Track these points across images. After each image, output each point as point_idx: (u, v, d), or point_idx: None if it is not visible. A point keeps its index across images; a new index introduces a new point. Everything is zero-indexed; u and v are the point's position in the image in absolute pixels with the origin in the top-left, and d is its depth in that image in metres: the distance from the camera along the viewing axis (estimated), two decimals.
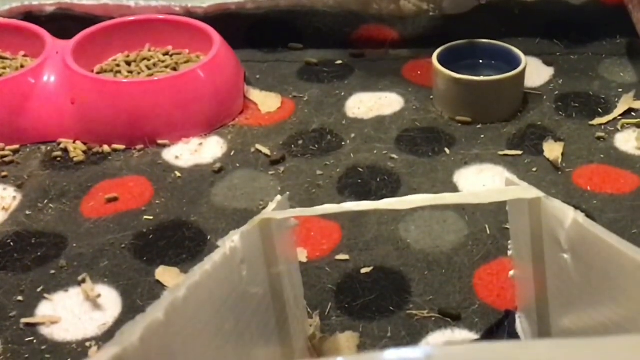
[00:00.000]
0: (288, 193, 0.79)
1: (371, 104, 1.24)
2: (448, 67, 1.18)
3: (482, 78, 1.18)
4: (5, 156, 1.13)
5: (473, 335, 0.82)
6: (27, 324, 0.86)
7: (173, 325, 0.46)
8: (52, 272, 0.93)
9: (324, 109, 1.23)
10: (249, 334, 0.61)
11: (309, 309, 0.84)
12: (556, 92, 1.26)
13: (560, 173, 1.07)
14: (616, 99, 1.23)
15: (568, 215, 0.62)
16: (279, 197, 0.71)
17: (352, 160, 1.11)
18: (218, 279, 0.54)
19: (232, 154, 1.14)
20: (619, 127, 1.16)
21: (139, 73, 1.25)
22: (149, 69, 1.26)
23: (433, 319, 0.84)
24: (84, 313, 0.88)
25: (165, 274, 0.92)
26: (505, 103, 1.19)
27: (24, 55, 1.29)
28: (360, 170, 1.09)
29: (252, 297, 0.62)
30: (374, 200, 1.01)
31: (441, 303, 0.86)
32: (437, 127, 1.18)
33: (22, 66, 1.24)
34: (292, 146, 1.15)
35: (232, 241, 0.58)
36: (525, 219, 0.70)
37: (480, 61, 1.27)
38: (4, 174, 1.10)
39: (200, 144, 1.16)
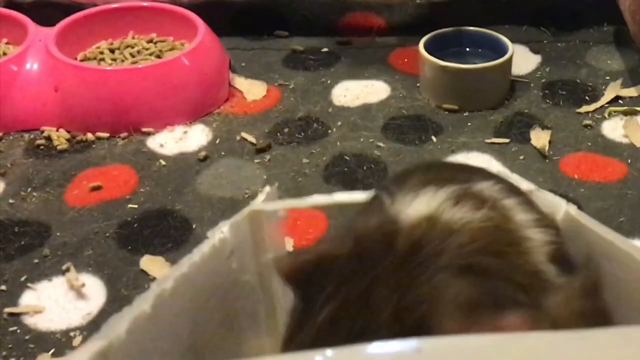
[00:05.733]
0: (277, 184, 0.78)
1: (357, 92, 1.24)
2: (435, 54, 1.18)
3: (468, 66, 1.17)
4: None
5: None
6: (11, 314, 0.85)
7: (160, 318, 0.45)
8: (36, 261, 0.92)
9: (310, 97, 1.23)
10: (238, 325, 0.61)
11: None
12: (543, 80, 1.25)
13: (547, 161, 1.07)
14: (603, 87, 1.23)
15: (560, 207, 0.61)
16: (267, 188, 0.71)
17: (338, 148, 1.11)
18: (207, 271, 0.54)
19: (217, 142, 1.13)
20: (606, 114, 1.16)
21: (122, 61, 1.24)
22: (132, 56, 1.25)
23: None
24: (68, 302, 0.87)
25: (150, 263, 0.92)
26: (492, 91, 1.19)
27: (6, 43, 1.27)
28: (347, 158, 1.08)
29: (241, 287, 0.62)
30: (360, 188, 1.01)
31: None
32: (424, 115, 1.18)
33: (4, 54, 1.23)
34: (278, 134, 1.14)
35: (221, 232, 0.58)
36: None
37: (467, 49, 1.26)
38: None
39: (185, 132, 1.15)
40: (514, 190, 0.53)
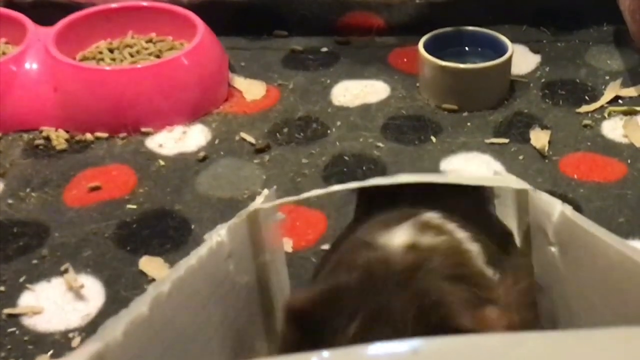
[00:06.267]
0: (275, 186, 0.78)
1: (357, 92, 1.24)
2: (434, 54, 1.18)
3: (468, 65, 1.17)
4: None
5: None
6: (9, 315, 0.85)
7: (157, 320, 0.45)
8: (35, 262, 0.92)
9: (310, 96, 1.23)
10: (236, 328, 0.60)
11: None
12: (543, 80, 1.25)
13: (546, 161, 1.07)
14: (603, 87, 1.22)
15: (555, 208, 0.61)
16: (266, 191, 0.70)
17: (337, 148, 1.10)
18: (204, 274, 0.54)
19: (216, 142, 1.13)
20: (605, 114, 1.16)
21: (121, 60, 1.24)
22: (132, 56, 1.24)
23: None
24: (67, 303, 0.87)
25: (149, 264, 0.91)
26: (491, 91, 1.19)
27: (6, 43, 1.27)
28: (346, 158, 1.08)
29: (240, 289, 0.61)
30: None
31: None
32: (424, 115, 1.17)
33: (3, 53, 1.23)
34: (277, 134, 1.14)
35: (218, 235, 0.57)
36: (513, 212, 0.70)
37: (467, 48, 1.26)
38: None
39: (184, 132, 1.15)
40: (450, 217, 0.62)
